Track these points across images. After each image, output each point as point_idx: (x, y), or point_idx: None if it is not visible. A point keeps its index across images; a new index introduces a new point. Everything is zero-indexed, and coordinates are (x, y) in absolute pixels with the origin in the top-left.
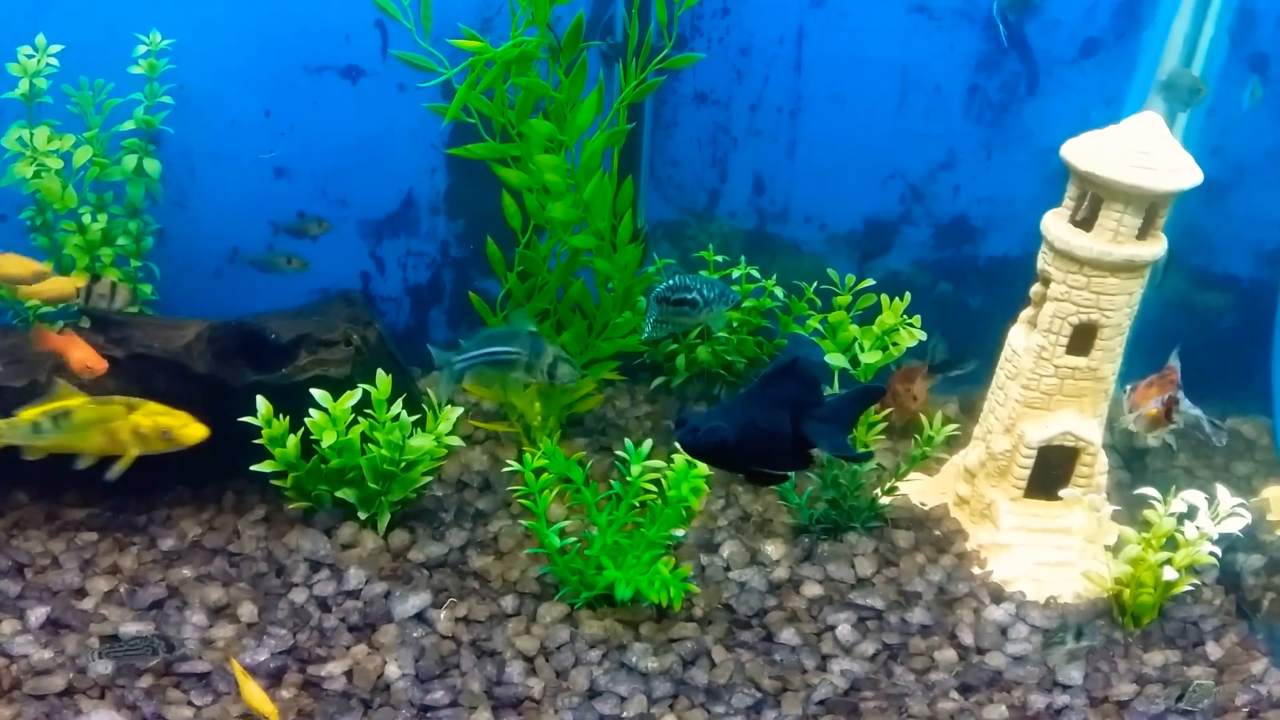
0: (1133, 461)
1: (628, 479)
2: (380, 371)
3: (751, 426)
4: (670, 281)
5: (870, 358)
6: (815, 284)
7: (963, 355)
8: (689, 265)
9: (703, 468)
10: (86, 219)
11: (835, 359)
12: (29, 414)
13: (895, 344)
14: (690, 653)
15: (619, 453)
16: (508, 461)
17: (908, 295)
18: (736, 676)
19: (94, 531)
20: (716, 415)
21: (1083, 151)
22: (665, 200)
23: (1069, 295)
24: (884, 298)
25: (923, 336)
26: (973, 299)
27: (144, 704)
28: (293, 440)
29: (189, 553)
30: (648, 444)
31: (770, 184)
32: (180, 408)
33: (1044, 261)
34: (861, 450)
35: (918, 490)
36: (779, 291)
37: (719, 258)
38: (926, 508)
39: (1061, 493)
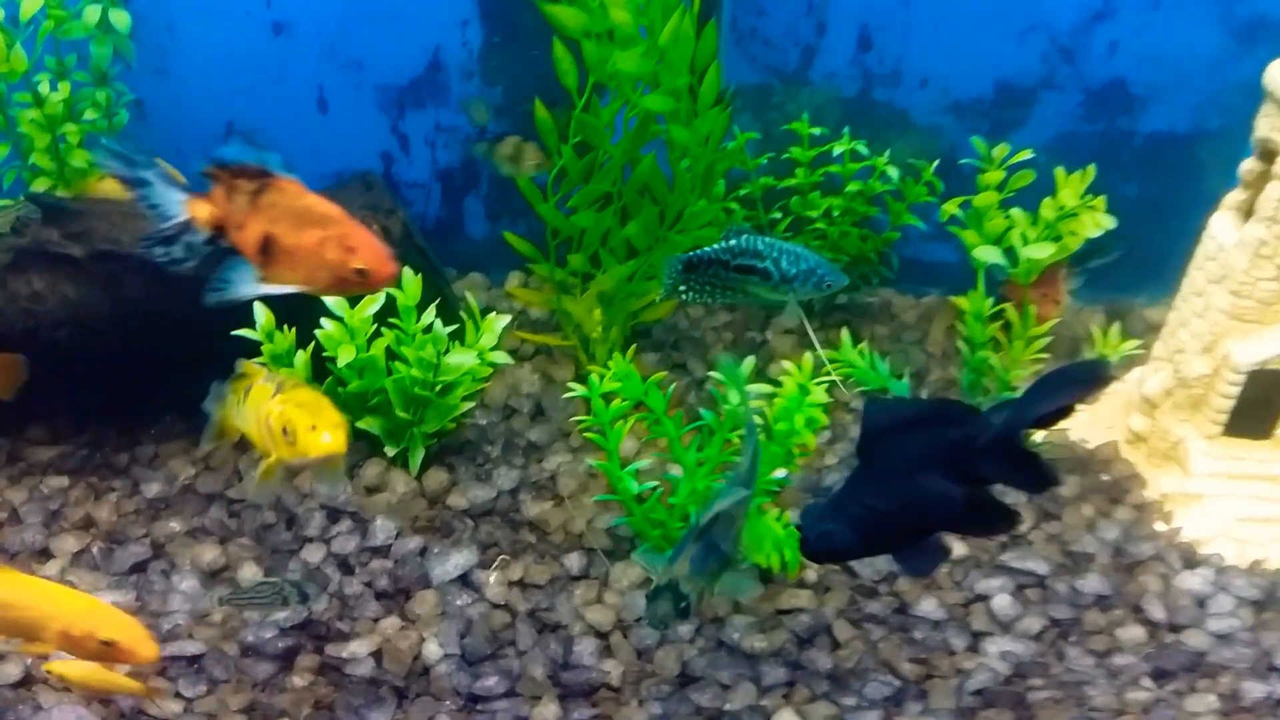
0: None
1: (723, 407)
2: (408, 270)
3: (870, 514)
4: (734, 241)
5: (1038, 251)
6: (935, 163)
7: (1103, 243)
8: (774, 141)
9: (819, 394)
10: (44, 88)
11: (986, 253)
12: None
13: (1074, 233)
14: (806, 628)
15: (698, 374)
16: (567, 384)
17: (1092, 168)
18: (867, 659)
19: (64, 475)
20: (828, 512)
21: None
22: (748, 59)
23: None
24: (1060, 171)
25: (1110, 224)
26: (1126, 185)
27: (120, 696)
28: (301, 358)
29: (179, 500)
30: (749, 362)
31: (879, 38)
32: (158, 318)
33: (1267, 127)
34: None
35: (1078, 424)
36: (892, 172)
37: (815, 130)
38: (1090, 446)
39: None
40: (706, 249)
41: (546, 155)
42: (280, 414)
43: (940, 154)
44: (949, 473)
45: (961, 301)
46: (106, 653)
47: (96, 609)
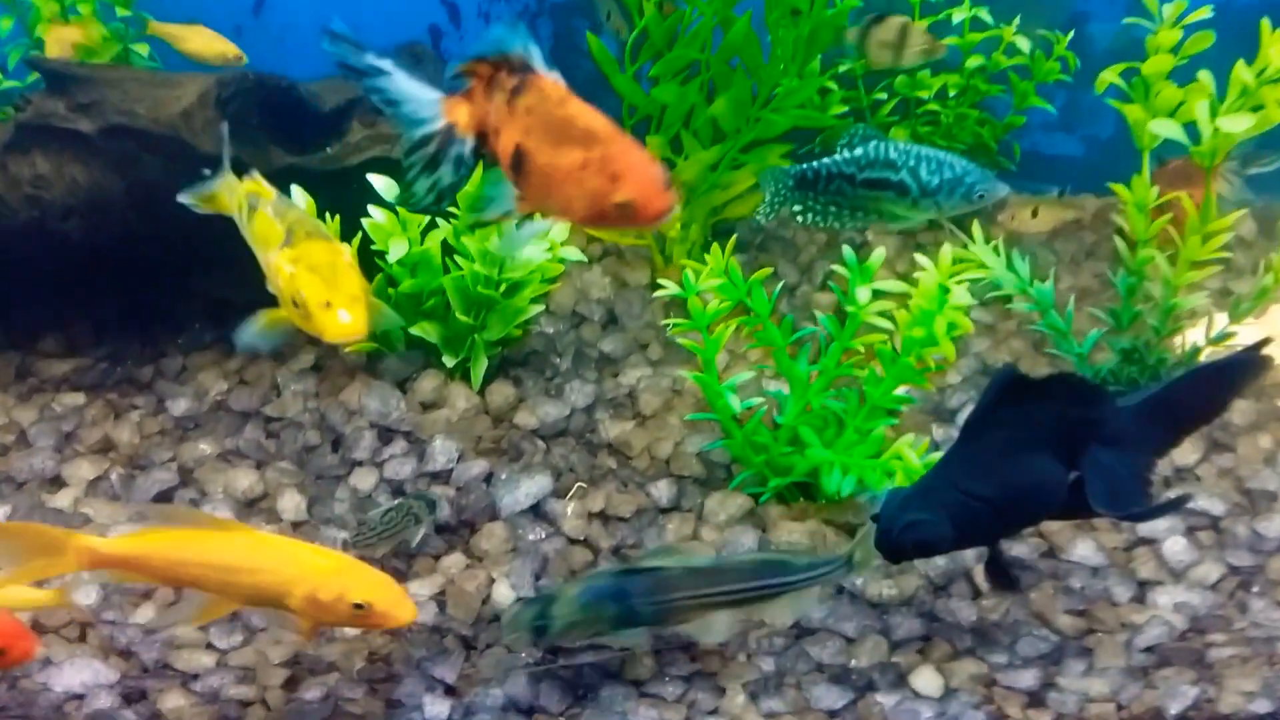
0: None
1: (847, 308)
2: None
3: (968, 501)
4: (859, 150)
5: (1234, 123)
6: (1071, 34)
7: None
8: (875, 11)
9: (962, 296)
10: None
11: (1163, 127)
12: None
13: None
14: (941, 574)
15: (789, 278)
16: (642, 287)
17: None
18: (1016, 610)
19: (79, 392)
20: (915, 499)
21: None
22: None
23: None
24: (1265, 23)
25: None
26: None
27: (142, 648)
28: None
29: (209, 419)
30: (879, 254)
31: None
32: (183, 206)
33: None
34: (1169, 499)
35: (1248, 341)
36: (1023, 43)
37: None
38: None
39: None
40: (824, 160)
41: (938, 44)
42: (290, 279)
43: (1064, 25)
44: (1059, 456)
45: (1121, 190)
46: (359, 618)
47: (346, 568)
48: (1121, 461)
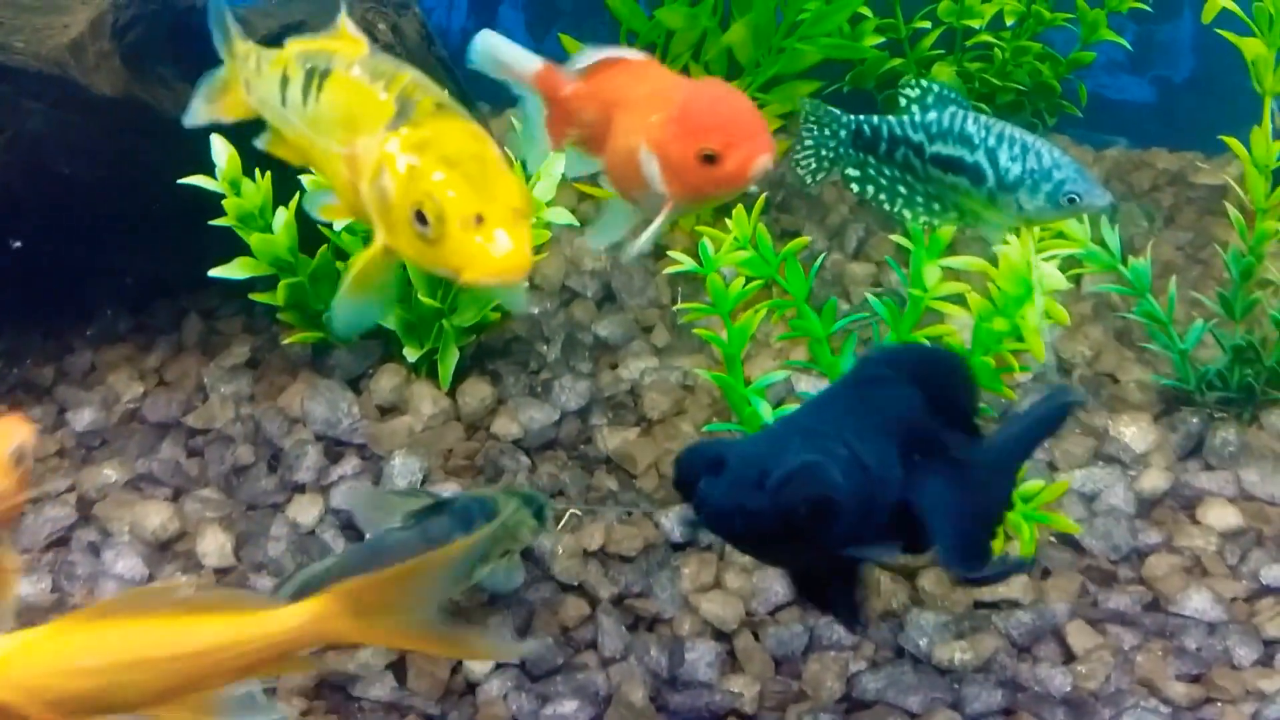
0: None
1: (904, 290)
2: None
3: (859, 467)
4: (932, 115)
5: None
6: None
7: None
8: None
9: (1054, 276)
10: None
11: None
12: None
13: None
14: (1025, 632)
15: (817, 246)
16: (667, 253)
17: None
18: (1120, 677)
19: None
20: (795, 441)
21: None
22: None
23: None
24: None
25: None
26: None
27: None
28: (284, 217)
29: (119, 434)
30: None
31: None
32: (80, 165)
33: None
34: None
35: None
36: None
37: None
38: None
39: None
40: (889, 118)
41: None
42: (411, 177)
43: None
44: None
45: (1237, 146)
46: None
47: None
48: (969, 505)
